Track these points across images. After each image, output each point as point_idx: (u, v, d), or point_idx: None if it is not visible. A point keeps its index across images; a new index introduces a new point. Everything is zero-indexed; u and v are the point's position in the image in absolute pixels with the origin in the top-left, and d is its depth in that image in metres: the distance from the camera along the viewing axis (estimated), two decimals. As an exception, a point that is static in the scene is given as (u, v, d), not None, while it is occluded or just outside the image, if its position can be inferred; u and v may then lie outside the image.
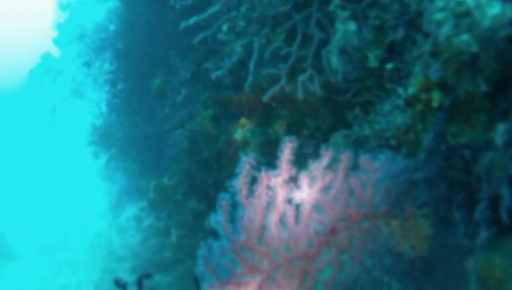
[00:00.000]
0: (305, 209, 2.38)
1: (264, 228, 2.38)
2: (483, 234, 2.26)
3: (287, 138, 2.33)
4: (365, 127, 3.51)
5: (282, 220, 2.40)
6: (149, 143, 6.99)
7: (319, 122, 4.40)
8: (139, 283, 2.68)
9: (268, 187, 2.36)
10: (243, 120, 5.03)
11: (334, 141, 3.88)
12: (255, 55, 4.23)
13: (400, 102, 3.10)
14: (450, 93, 2.62)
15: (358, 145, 3.53)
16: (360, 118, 3.82)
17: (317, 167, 2.34)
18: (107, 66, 7.69)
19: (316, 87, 3.80)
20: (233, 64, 4.58)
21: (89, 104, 8.61)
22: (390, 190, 2.47)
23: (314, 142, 4.29)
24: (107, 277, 8.88)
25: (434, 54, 2.63)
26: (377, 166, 2.37)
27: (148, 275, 2.68)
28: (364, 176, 2.38)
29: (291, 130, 4.63)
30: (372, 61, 3.52)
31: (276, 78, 4.08)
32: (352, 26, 3.37)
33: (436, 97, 2.72)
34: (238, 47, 4.41)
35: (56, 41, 9.34)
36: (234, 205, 2.36)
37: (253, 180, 2.36)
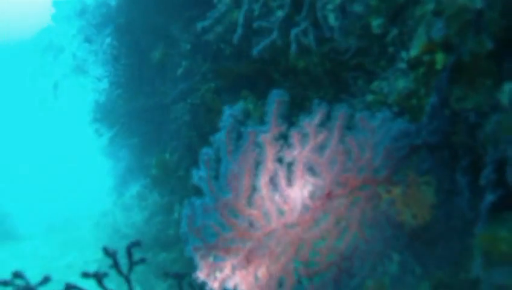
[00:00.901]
0: (298, 169, 2.23)
1: (253, 188, 2.23)
2: (489, 197, 2.15)
3: (275, 92, 2.19)
4: (368, 94, 3.41)
5: (273, 181, 2.24)
6: (150, 117, 6.93)
7: (322, 94, 4.31)
8: (129, 252, 2.63)
9: (256, 144, 2.20)
10: (244, 92, 4.94)
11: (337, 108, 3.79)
12: (244, 7, 4.10)
13: (403, 65, 2.99)
14: (454, 54, 2.50)
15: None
16: (363, 87, 3.74)
17: (308, 123, 2.19)
18: (108, 41, 7.59)
19: (311, 42, 3.66)
20: (221, 15, 4.45)
21: (91, 81, 8.54)
22: (391, 154, 2.35)
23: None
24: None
25: (437, 13, 2.51)
26: (375, 126, 2.24)
27: (137, 244, 2.62)
28: (362, 137, 2.24)
29: (293, 102, 4.54)
30: (376, 28, 3.41)
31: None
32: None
33: (439, 59, 2.61)
34: None
35: (55, 17, 9.26)
36: (218, 162, 2.22)
37: (239, 137, 2.22)
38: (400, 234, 2.50)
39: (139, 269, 8.06)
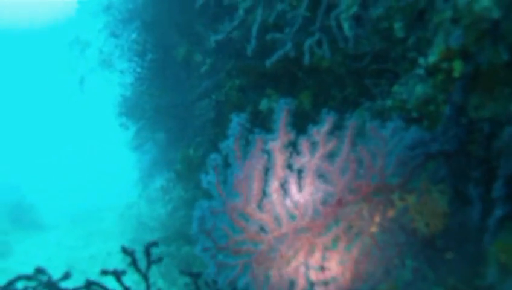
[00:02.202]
0: (308, 176, 2.27)
1: (263, 193, 2.27)
2: (498, 212, 2.16)
3: (282, 101, 2.22)
4: (387, 98, 3.42)
5: (283, 187, 2.29)
6: (175, 113, 6.99)
7: (346, 94, 4.32)
8: (147, 251, 2.70)
9: (265, 151, 2.25)
10: (269, 90, 4.97)
11: (359, 113, 3.81)
12: (258, 19, 4.14)
13: (421, 72, 2.99)
14: (472, 63, 2.50)
15: (381, 117, 3.45)
16: (385, 90, 3.74)
17: (317, 132, 2.23)
18: (134, 37, 7.67)
19: (325, 52, 3.68)
20: (234, 29, 4.49)
21: (117, 76, 8.63)
22: (405, 162, 2.36)
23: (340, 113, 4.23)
24: (135, 247, 8.97)
25: (455, 21, 2.51)
26: (386, 135, 2.26)
27: (154, 244, 2.69)
28: (374, 146, 2.27)
29: (317, 101, 4.56)
30: (399, 32, 3.42)
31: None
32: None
33: (457, 67, 2.60)
34: (241, 10, 4.32)
35: (80, 13, 9.38)
36: (227, 168, 2.27)
37: (248, 144, 2.26)
38: (412, 241, 2.51)
39: (162, 261, 8.14)
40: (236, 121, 2.22)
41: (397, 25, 3.42)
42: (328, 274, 2.38)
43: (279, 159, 2.25)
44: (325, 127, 2.23)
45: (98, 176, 23.21)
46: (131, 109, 8.25)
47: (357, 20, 3.52)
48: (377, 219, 2.41)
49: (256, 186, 2.24)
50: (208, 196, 2.22)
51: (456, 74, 2.60)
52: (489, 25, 2.31)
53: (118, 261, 8.25)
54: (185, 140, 6.73)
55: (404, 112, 3.20)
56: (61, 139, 32.10)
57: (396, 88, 3.41)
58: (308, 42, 3.82)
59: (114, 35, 8.10)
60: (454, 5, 2.46)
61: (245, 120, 2.24)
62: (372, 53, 3.86)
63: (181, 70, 6.60)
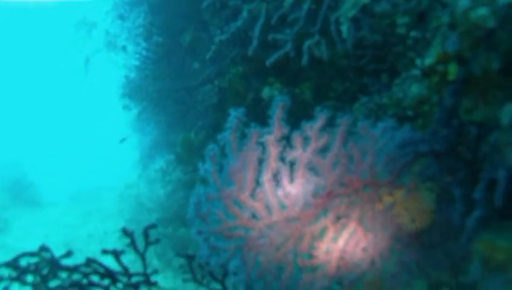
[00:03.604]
0: (299, 168, 2.41)
1: (256, 183, 2.41)
2: (476, 213, 2.26)
3: (278, 97, 2.35)
4: (384, 96, 3.50)
5: (275, 178, 2.42)
6: (178, 97, 7.06)
7: (347, 86, 4.40)
8: (146, 233, 2.80)
9: (260, 144, 2.39)
10: (271, 79, 5.05)
11: (357, 107, 3.89)
12: (261, 20, 4.24)
13: (417, 72, 3.08)
14: (466, 67, 2.58)
15: (378, 113, 3.54)
16: (383, 87, 3.83)
17: (310, 127, 2.36)
18: (141, 20, 7.74)
19: (323, 53, 3.79)
20: (238, 30, 4.59)
21: (122, 57, 8.70)
22: (395, 160, 2.46)
23: (340, 105, 4.32)
24: (132, 228, 9.06)
25: (452, 26, 2.60)
26: (377, 134, 2.37)
27: (153, 226, 2.79)
28: (364, 144, 2.38)
29: (318, 92, 4.65)
30: (401, 28, 3.50)
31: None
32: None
33: (452, 70, 2.68)
34: (244, 12, 4.41)
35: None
36: (223, 158, 2.40)
37: (244, 136, 2.40)
38: (399, 235, 2.61)
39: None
40: (234, 115, 2.35)
41: (400, 21, 3.51)
42: (314, 262, 2.49)
43: (273, 151, 2.39)
44: (318, 123, 2.36)
45: (98, 155, 23.31)
46: (134, 91, 8.31)
47: (356, 22, 3.61)
48: (365, 212, 2.51)
49: (250, 175, 2.38)
50: (205, 181, 2.34)
51: (451, 77, 2.68)
52: (484, 33, 2.39)
53: (114, 241, 8.37)
54: (186, 124, 6.81)
55: (400, 110, 3.29)
56: (64, 118, 32.15)
57: (394, 87, 3.50)
58: (307, 43, 3.92)
59: (121, 17, 8.16)
60: (452, 12, 2.53)
61: (242, 114, 2.36)
62: (373, 49, 3.95)
63: (186, 55, 6.67)
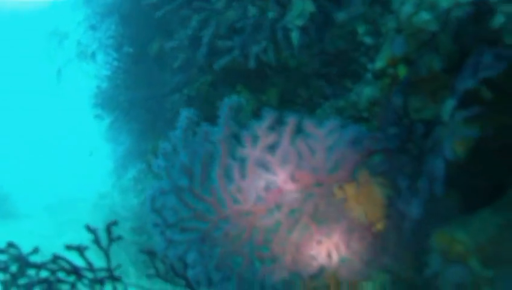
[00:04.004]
0: (250, 165, 2.52)
1: (208, 178, 2.52)
2: (417, 201, 2.38)
3: (226, 99, 2.48)
4: (341, 99, 3.64)
5: (227, 174, 2.54)
6: (149, 106, 7.13)
7: (311, 92, 4.52)
8: (108, 229, 2.88)
9: (210, 142, 2.51)
10: (239, 87, 5.15)
11: (319, 113, 4.02)
12: (211, 29, 4.39)
13: (369, 76, 3.22)
14: (415, 69, 2.72)
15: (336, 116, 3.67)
16: (347, 90, 3.96)
17: (258, 127, 2.47)
18: (112, 30, 7.82)
19: (270, 59, 3.95)
20: (187, 38, 4.74)
21: (94, 68, 8.76)
22: (346, 157, 2.58)
23: (305, 110, 4.44)
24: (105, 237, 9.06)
25: (398, 31, 2.74)
26: (324, 132, 2.48)
27: (115, 223, 2.87)
28: (313, 141, 2.49)
29: (284, 98, 4.76)
30: (362, 35, 3.64)
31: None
32: (309, 6, 3.49)
33: (401, 72, 2.82)
34: (194, 21, 4.56)
35: (60, 5, 9.50)
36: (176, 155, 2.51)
37: (195, 135, 2.52)
38: (353, 228, 2.72)
39: (132, 249, 8.25)
40: (185, 115, 2.48)
41: (361, 30, 3.66)
42: (269, 255, 2.60)
43: (223, 148, 2.51)
44: (266, 122, 2.48)
45: (72, 166, 23.16)
46: (106, 101, 8.37)
47: (304, 30, 3.76)
48: (318, 206, 2.62)
49: (201, 171, 2.48)
50: (159, 176, 2.45)
51: (400, 78, 2.83)
52: (427, 36, 2.53)
53: (90, 250, 8.33)
54: (156, 132, 6.88)
55: (356, 112, 3.43)
56: (37, 128, 31.80)
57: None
58: (254, 49, 4.07)
59: (93, 27, 8.23)
60: (397, 17, 2.68)
61: (193, 114, 2.48)
62: (335, 56, 4.10)
63: (154, 64, 6.75)
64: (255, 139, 2.52)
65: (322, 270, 2.78)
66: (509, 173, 2.43)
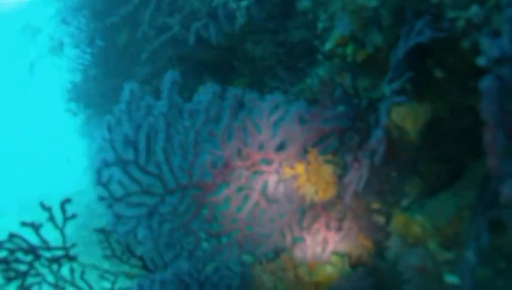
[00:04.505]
0: (193, 139, 2.55)
1: (153, 152, 2.53)
2: (363, 174, 2.41)
3: (168, 73, 2.52)
4: (298, 83, 3.68)
5: (172, 148, 2.55)
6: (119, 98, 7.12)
7: (276, 82, 4.56)
8: (62, 207, 2.89)
9: (153, 115, 2.53)
10: (205, 78, 5.18)
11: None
12: (152, 5, 4.44)
13: (320, 57, 3.26)
14: (363, 48, 2.76)
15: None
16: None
17: (199, 100, 2.50)
18: (84, 24, 7.81)
19: (212, 35, 3.99)
20: (128, 13, 4.78)
21: (67, 62, 8.74)
22: (294, 135, 2.61)
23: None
24: (80, 233, 9.07)
25: (343, 10, 2.78)
26: (266, 107, 2.51)
27: (68, 200, 2.88)
28: (257, 117, 2.52)
29: (251, 88, 4.79)
30: (321, 23, 3.68)
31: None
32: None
33: (350, 51, 2.86)
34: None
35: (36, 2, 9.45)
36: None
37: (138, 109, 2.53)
38: (304, 206, 2.75)
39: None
40: (128, 88, 2.48)
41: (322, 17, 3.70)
42: (221, 232, 2.63)
43: (165, 122, 2.53)
44: (208, 96, 2.50)
45: (47, 163, 23.04)
46: (80, 95, 8.37)
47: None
48: (267, 184, 2.66)
49: (147, 144, 2.50)
50: (103, 149, 2.45)
51: (349, 58, 2.87)
52: (370, 13, 2.57)
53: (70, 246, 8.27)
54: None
55: (312, 94, 3.47)
56: (11, 126, 31.57)
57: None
58: (195, 26, 4.11)
59: (65, 22, 8.20)
60: (341, -4, 2.73)
61: (137, 87, 2.50)
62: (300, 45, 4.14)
63: (123, 57, 6.77)
64: (197, 113, 2.55)
65: (277, 250, 2.81)
66: (468, 156, 2.49)
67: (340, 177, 2.72)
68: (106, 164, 2.39)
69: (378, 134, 2.22)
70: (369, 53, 2.68)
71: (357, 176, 2.38)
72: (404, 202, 2.71)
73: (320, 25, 3.47)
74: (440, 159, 2.61)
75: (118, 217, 2.42)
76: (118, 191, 2.43)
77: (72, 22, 8.06)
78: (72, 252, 3.00)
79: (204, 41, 4.85)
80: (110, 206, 2.41)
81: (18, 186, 19.65)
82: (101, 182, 2.37)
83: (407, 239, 2.63)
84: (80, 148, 11.67)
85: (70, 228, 9.09)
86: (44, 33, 9.50)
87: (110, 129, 2.45)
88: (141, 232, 2.48)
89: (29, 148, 27.79)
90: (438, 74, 2.32)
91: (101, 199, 2.41)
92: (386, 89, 2.38)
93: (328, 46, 3.01)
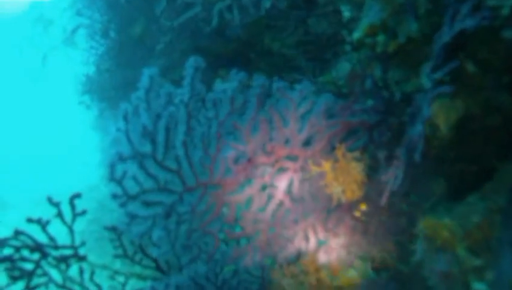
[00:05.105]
0: (216, 131, 2.35)
1: (173, 147, 2.30)
2: (396, 171, 2.24)
3: (191, 58, 2.30)
4: (320, 76, 3.53)
5: (193, 142, 2.33)
6: (133, 90, 7.01)
7: (296, 76, 4.41)
8: (72, 203, 2.75)
9: (174, 104, 2.29)
10: (222, 71, 5.03)
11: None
12: None
13: (348, 48, 3.09)
14: (395, 38, 2.59)
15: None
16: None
17: (224, 89, 2.31)
18: (98, 15, 7.69)
19: (235, 17, 3.82)
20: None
21: (80, 54, 8.64)
22: (321, 129, 2.44)
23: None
24: (92, 228, 8.97)
25: (375, -2, 2.61)
26: (294, 97, 2.33)
27: (78, 195, 2.74)
28: (285, 108, 2.33)
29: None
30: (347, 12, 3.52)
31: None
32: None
33: (380, 41, 2.69)
34: None
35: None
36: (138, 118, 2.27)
37: (158, 97, 2.30)
38: (330, 207, 2.58)
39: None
40: (147, 74, 2.27)
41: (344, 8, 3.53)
42: (242, 234, 2.45)
43: (187, 112, 2.30)
44: (233, 85, 2.29)
45: (61, 157, 23.08)
46: (94, 88, 8.26)
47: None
48: (292, 182, 2.48)
49: (165, 137, 2.28)
50: (118, 141, 2.21)
51: (379, 48, 2.69)
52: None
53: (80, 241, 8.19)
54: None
55: (335, 88, 3.30)
56: (25, 119, 31.72)
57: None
58: (218, 6, 3.93)
59: (79, 13, 8.10)
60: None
61: (156, 74, 2.29)
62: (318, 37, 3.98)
63: (137, 48, 6.63)
64: (220, 102, 2.35)
65: (299, 253, 2.65)
66: (495, 157, 2.32)
67: (369, 176, 2.55)
68: (121, 158, 2.15)
69: (418, 129, 2.04)
70: (401, 43, 2.50)
71: (393, 174, 2.19)
72: (428, 203, 2.54)
73: (346, 14, 3.30)
74: (465, 159, 2.42)
75: (132, 217, 2.21)
76: (132, 188, 2.20)
77: (86, 13, 7.95)
78: (82, 250, 2.81)
79: (221, 34, 4.71)
80: (123, 205, 2.19)
81: (29, 180, 19.67)
82: (114, 178, 2.15)
83: (435, 243, 2.46)
84: (93, 142, 11.56)
85: (82, 223, 9.04)
86: (57, 25, 9.40)
87: (126, 119, 2.20)
88: (157, 233, 2.27)
89: (43, 142, 27.86)
90: (470, 68, 2.14)
91: (114, 196, 2.18)
92: (426, 80, 2.21)
93: (356, 35, 2.84)
